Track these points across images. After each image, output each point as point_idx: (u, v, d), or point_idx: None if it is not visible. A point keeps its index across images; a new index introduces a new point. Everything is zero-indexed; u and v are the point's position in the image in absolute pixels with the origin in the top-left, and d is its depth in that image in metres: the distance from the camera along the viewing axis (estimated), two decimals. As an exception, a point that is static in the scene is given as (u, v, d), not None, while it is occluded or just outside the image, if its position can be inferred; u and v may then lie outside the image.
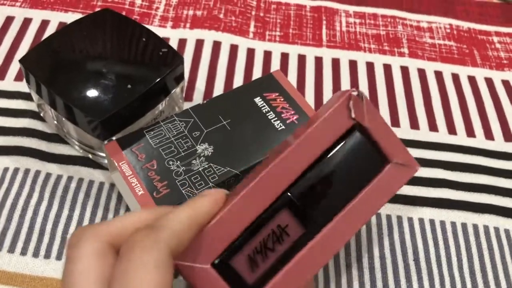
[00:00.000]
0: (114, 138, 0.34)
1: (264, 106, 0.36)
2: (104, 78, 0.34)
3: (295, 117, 0.35)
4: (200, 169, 0.32)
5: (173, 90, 0.37)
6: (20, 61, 0.34)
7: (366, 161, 0.27)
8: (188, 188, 0.31)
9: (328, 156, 0.26)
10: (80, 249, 0.20)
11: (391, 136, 0.27)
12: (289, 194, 0.26)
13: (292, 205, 0.26)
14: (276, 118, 0.35)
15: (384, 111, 0.42)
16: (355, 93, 0.26)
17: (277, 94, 0.36)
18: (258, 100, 0.36)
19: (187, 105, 0.40)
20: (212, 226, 0.24)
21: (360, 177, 0.26)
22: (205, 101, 0.36)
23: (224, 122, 0.35)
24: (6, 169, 0.35)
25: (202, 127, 0.34)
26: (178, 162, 0.32)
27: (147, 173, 0.32)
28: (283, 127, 0.35)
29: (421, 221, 0.36)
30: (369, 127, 0.27)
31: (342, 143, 0.26)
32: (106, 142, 0.34)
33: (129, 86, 0.33)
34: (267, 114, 0.35)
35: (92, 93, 0.33)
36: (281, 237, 0.25)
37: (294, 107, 0.36)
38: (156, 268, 0.19)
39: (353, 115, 0.26)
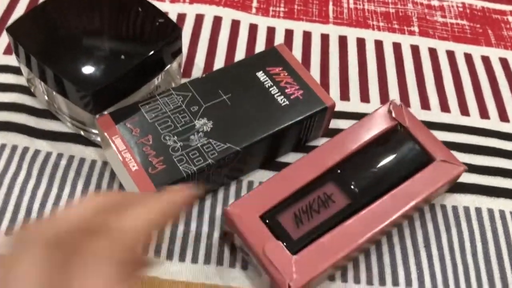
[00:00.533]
0: (106, 112, 0.32)
1: (267, 80, 0.33)
2: (96, 50, 0.31)
3: (299, 92, 0.33)
4: (198, 145, 0.30)
5: (170, 64, 0.35)
6: (7, 29, 0.32)
7: (408, 155, 0.32)
8: (186, 164, 0.29)
9: (374, 145, 0.32)
10: (25, 253, 0.17)
11: (432, 138, 0.32)
12: (337, 169, 0.31)
13: (340, 178, 0.30)
14: (279, 93, 0.33)
15: (393, 91, 0.40)
16: (395, 101, 0.34)
17: (280, 69, 0.34)
18: (260, 74, 0.34)
19: (185, 81, 0.38)
20: (264, 184, 0.30)
21: (403, 168, 0.31)
22: (204, 75, 0.34)
23: (225, 97, 0.33)
24: (-8, 145, 0.33)
25: (201, 102, 0.32)
26: (175, 137, 0.30)
27: (141, 148, 0.30)
28: (286, 102, 0.33)
29: (431, 207, 0.34)
30: (409, 127, 0.33)
31: (385, 137, 0.32)
32: (98, 116, 0.31)
33: (122, 57, 0.31)
34: (270, 89, 0.33)
35: (83, 64, 0.31)
36: (327, 202, 0.30)
37: (298, 82, 0.34)
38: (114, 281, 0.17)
39: (393, 115, 0.33)
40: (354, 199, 0.30)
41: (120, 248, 0.18)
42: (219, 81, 0.33)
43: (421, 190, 0.30)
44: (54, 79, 0.31)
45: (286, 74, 0.34)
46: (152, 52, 0.32)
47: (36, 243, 0.17)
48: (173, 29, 0.33)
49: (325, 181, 0.30)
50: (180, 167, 0.29)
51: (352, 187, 0.30)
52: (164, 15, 0.34)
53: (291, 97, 0.33)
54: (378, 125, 0.33)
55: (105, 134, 0.30)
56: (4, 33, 0.40)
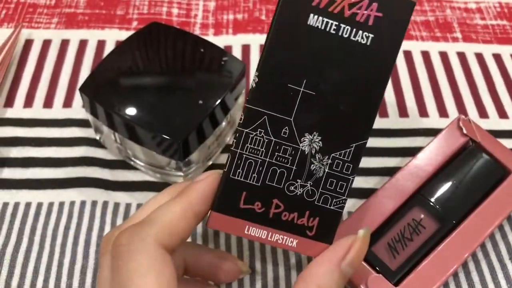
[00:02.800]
0: (214, 212, 0.24)
1: (327, 23, 0.23)
2: (171, 95, 0.32)
3: (374, 8, 0.23)
4: (326, 169, 0.24)
5: (239, 99, 0.35)
6: (81, 90, 0.32)
7: (486, 170, 0.32)
8: (333, 200, 0.24)
9: (450, 165, 0.33)
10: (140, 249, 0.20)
11: (505, 150, 0.33)
12: (420, 193, 0.31)
13: (424, 203, 0.31)
14: (354, 29, 0.23)
15: (449, 102, 0.40)
16: (463, 117, 0.34)
17: None
18: (313, 20, 0.23)
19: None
20: (353, 216, 0.30)
21: (483, 184, 0.32)
22: (255, 81, 0.23)
23: (301, 89, 0.23)
24: (72, 203, 0.34)
25: (284, 117, 0.23)
26: (298, 180, 0.24)
27: (281, 219, 0.24)
28: (371, 35, 0.23)
29: (508, 217, 0.34)
30: (482, 142, 0.33)
31: (461, 155, 0.33)
32: (183, 167, 0.31)
33: (200, 101, 0.32)
34: (340, 33, 0.23)
35: (163, 112, 0.31)
36: (417, 228, 0.30)
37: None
38: (149, 271, 0.19)
39: (464, 131, 0.33)
40: (442, 223, 0.30)
41: (159, 236, 0.21)
42: (278, 73, 0.23)
43: (505, 206, 0.31)
44: (134, 130, 0.31)
45: None
46: (226, 92, 0.32)
47: (146, 240, 0.20)
48: (238, 65, 0.34)
49: (411, 207, 0.31)
50: (332, 208, 0.24)
51: (438, 209, 0.31)
52: (226, 52, 0.35)
53: (370, 23, 0.23)
54: (450, 144, 0.33)
55: (234, 234, 0.25)
56: (59, 87, 0.40)
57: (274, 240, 0.24)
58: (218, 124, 0.34)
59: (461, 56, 0.43)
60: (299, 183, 0.24)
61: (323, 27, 0.23)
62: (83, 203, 0.34)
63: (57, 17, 0.45)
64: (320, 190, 0.24)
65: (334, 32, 0.23)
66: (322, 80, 0.23)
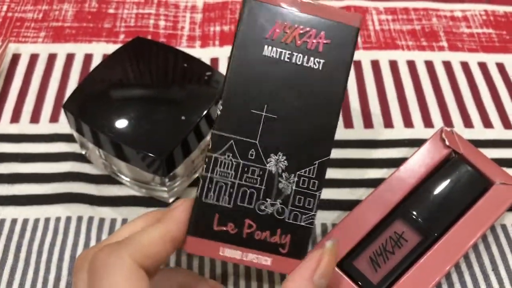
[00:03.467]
0: (188, 236, 0.25)
1: (281, 53, 0.25)
2: (154, 112, 0.32)
3: (322, 36, 0.25)
4: (293, 187, 0.25)
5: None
6: (64, 107, 0.32)
7: (469, 182, 0.32)
8: (303, 216, 0.25)
9: (433, 177, 0.33)
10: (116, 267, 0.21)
11: (487, 161, 0.33)
12: (402, 206, 0.31)
13: (406, 215, 0.31)
14: (305, 56, 0.25)
15: (434, 112, 0.40)
16: (446, 128, 0.34)
17: (279, 23, 0.25)
18: (267, 51, 0.25)
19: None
20: (334, 231, 0.30)
21: (465, 196, 0.32)
22: (220, 106, 0.25)
23: (263, 113, 0.25)
24: (58, 219, 0.34)
25: (250, 140, 0.25)
26: (268, 200, 0.25)
27: (254, 238, 0.25)
28: (322, 60, 0.25)
29: (492, 228, 0.34)
30: (464, 154, 0.33)
31: (444, 167, 0.33)
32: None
33: (183, 117, 0.32)
34: (293, 60, 0.25)
35: (146, 129, 0.31)
36: (399, 241, 0.30)
37: (309, 23, 0.25)
38: (125, 286, 0.21)
39: (447, 143, 0.33)
40: (424, 235, 0.30)
41: (134, 254, 0.22)
42: (240, 100, 0.25)
43: (487, 217, 0.31)
44: (118, 147, 0.32)
45: (290, 25, 0.25)
46: (209, 107, 0.32)
47: (123, 257, 0.21)
48: (221, 79, 0.34)
49: (393, 220, 0.31)
50: (303, 223, 0.25)
51: (420, 222, 0.31)
52: (209, 66, 0.35)
53: (320, 50, 0.25)
54: (433, 156, 0.33)
55: (209, 256, 0.26)
56: (46, 101, 0.40)
57: (249, 260, 0.25)
58: (203, 138, 0.34)
59: (447, 65, 0.44)
60: (268, 202, 0.25)
61: (277, 56, 0.25)
62: (68, 219, 0.34)
63: (45, 31, 0.45)
64: (289, 207, 0.25)
65: (288, 60, 0.25)
66: (282, 104, 0.25)
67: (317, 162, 0.25)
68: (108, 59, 0.35)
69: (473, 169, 0.33)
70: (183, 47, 0.44)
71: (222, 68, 0.43)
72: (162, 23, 0.46)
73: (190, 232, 0.25)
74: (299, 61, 0.25)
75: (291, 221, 0.25)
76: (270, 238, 0.25)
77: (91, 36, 0.45)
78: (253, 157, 0.25)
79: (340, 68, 0.25)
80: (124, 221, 0.34)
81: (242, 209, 0.25)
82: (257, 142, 0.25)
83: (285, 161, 0.25)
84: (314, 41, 0.25)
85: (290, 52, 0.25)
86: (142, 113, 0.32)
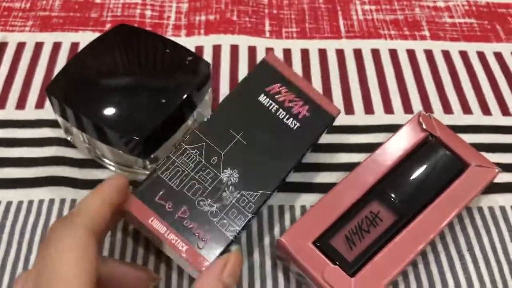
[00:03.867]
0: (131, 191, 0.29)
1: (271, 104, 0.31)
2: (135, 95, 0.33)
3: (305, 109, 0.32)
4: (233, 201, 0.29)
5: (204, 97, 0.36)
6: (47, 91, 0.33)
7: (444, 164, 0.33)
8: (229, 227, 0.28)
9: (409, 159, 0.33)
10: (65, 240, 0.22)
11: (464, 144, 0.34)
12: (379, 187, 0.32)
13: (382, 196, 0.32)
14: (287, 116, 0.31)
15: (414, 99, 0.41)
16: (424, 113, 0.35)
17: (279, 86, 0.32)
18: (262, 98, 0.32)
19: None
20: (311, 211, 0.31)
21: (441, 178, 0.32)
22: (209, 116, 0.31)
23: (238, 137, 0.31)
24: (41, 201, 0.35)
25: (218, 150, 0.30)
26: (209, 200, 0.29)
27: (182, 223, 0.28)
28: (298, 124, 0.31)
29: (469, 210, 0.35)
30: (441, 137, 0.34)
31: (420, 149, 0.34)
32: (149, 165, 0.33)
33: (163, 100, 0.32)
34: (278, 114, 0.31)
35: (127, 112, 0.32)
36: (375, 221, 0.31)
37: (301, 96, 0.32)
38: (77, 246, 0.22)
39: (424, 126, 0.34)
40: (399, 215, 0.31)
41: (85, 222, 0.24)
42: (226, 119, 0.31)
43: (462, 198, 0.31)
44: (100, 130, 0.32)
45: (286, 91, 0.32)
46: (190, 91, 0.33)
47: (74, 224, 0.23)
48: (202, 64, 0.35)
49: (369, 200, 0.32)
50: (226, 233, 0.28)
51: (396, 202, 0.31)
52: (190, 52, 0.35)
53: (299, 117, 0.31)
54: (410, 139, 0.34)
55: (141, 221, 0.28)
56: (32, 88, 0.41)
57: (169, 238, 0.28)
58: (184, 122, 0.35)
59: (428, 53, 0.44)
60: (208, 201, 0.29)
61: (267, 105, 0.32)
62: (51, 201, 0.35)
63: (32, 20, 0.45)
64: (222, 214, 0.29)
65: (274, 111, 0.31)
66: (254, 137, 0.31)
67: (260, 192, 0.29)
68: (91, 45, 0.35)
69: (449, 152, 0.33)
70: (169, 36, 0.45)
71: (207, 56, 0.43)
72: (148, 12, 0.47)
73: (136, 194, 0.29)
74: (281, 116, 0.31)
75: (218, 226, 0.28)
76: (195, 230, 0.28)
77: (77, 25, 0.45)
78: (214, 163, 0.30)
79: (308, 138, 0.31)
80: (107, 203, 0.35)
81: (185, 196, 0.29)
82: (222, 153, 0.30)
83: (237, 178, 0.29)
84: (299, 109, 0.32)
85: (278, 107, 0.32)
86: (123, 97, 0.33)
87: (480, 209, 0.35)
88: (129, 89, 0.33)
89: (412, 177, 0.32)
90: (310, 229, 0.30)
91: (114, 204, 0.26)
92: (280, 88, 0.32)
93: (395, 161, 0.33)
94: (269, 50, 0.44)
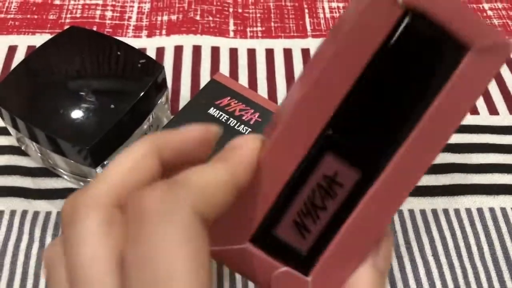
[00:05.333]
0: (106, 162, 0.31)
1: (221, 115, 0.33)
2: (84, 102, 0.31)
3: (256, 115, 0.33)
4: None
5: (159, 101, 0.35)
6: (-11, 98, 0.31)
7: (431, 60, 0.17)
8: None
9: (374, 68, 0.18)
10: (81, 227, 0.15)
11: (467, 14, 0.17)
12: (330, 131, 0.18)
13: (337, 144, 0.19)
14: (238, 123, 0.32)
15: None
16: None
17: (228, 99, 0.33)
18: (212, 111, 0.33)
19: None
20: (244, 195, 0.18)
21: (424, 86, 0.18)
22: (169, 122, 0.32)
23: None
24: (-10, 213, 0.33)
25: None
26: None
27: None
28: (249, 129, 0.32)
29: (434, 212, 0.34)
30: (426, 9, 0.17)
31: (391, 44, 0.17)
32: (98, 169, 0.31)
33: (112, 106, 0.31)
34: (229, 122, 0.32)
35: (74, 119, 0.31)
36: (331, 189, 0.19)
37: (250, 105, 0.33)
38: (185, 245, 0.14)
39: (400, 1, 0.17)
40: (365, 167, 0.19)
41: (198, 205, 0.15)
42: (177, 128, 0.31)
43: (452, 121, 0.18)
44: (47, 139, 0.31)
45: (236, 102, 0.33)
46: (140, 96, 0.32)
47: (181, 205, 0.15)
48: (155, 67, 0.33)
49: (319, 157, 0.19)
50: None
51: (357, 149, 0.19)
52: (144, 54, 0.34)
53: (251, 123, 0.32)
54: (372, 33, 0.17)
55: None
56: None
57: None
58: (138, 126, 0.33)
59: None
60: None
61: (217, 116, 0.33)
62: (1, 213, 0.33)
63: (-13, 23, 0.44)
64: None
65: (224, 120, 0.32)
66: None
67: None
68: (40, 49, 0.34)
69: (439, 36, 0.17)
70: (130, 37, 0.43)
71: (168, 58, 0.42)
72: (109, 13, 0.45)
73: None
74: (232, 123, 0.32)
75: None
76: None
77: (35, 28, 0.44)
78: None
79: None
80: (60, 213, 0.34)
81: None
82: None
83: None
84: (250, 116, 0.33)
85: (228, 116, 0.33)
86: (72, 104, 0.31)
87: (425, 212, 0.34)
88: (78, 95, 0.32)
89: (376, 102, 0.18)
90: (242, 220, 0.19)
91: (239, 189, 0.17)
92: (230, 101, 0.33)
93: (352, 81, 0.17)
94: (232, 50, 0.43)
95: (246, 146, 0.18)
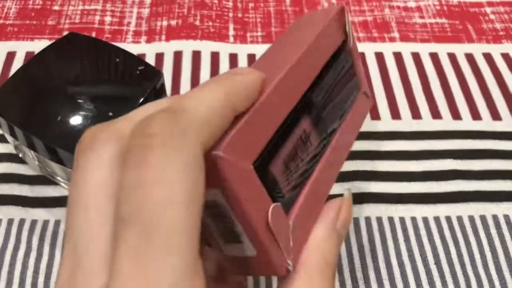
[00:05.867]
0: None
1: None
2: (82, 109, 0.31)
3: None
4: None
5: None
6: (-14, 106, 0.31)
7: (351, 81, 0.25)
8: None
9: (329, 69, 0.23)
10: (92, 156, 0.15)
11: (359, 62, 0.26)
12: (309, 98, 0.22)
13: (311, 111, 0.22)
14: None
15: (382, 103, 0.40)
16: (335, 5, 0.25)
17: None
18: None
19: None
20: (252, 116, 0.18)
21: (348, 95, 0.25)
22: None
23: None
24: (-13, 222, 0.33)
25: None
26: None
27: None
28: None
29: (437, 219, 0.34)
30: (352, 47, 0.25)
31: (338, 58, 0.24)
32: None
33: (110, 114, 0.31)
34: None
35: (72, 127, 0.30)
36: (306, 144, 0.21)
37: None
38: (185, 172, 0.13)
39: (347, 29, 0.24)
40: (323, 134, 0.23)
41: (199, 130, 0.14)
42: None
43: (352, 134, 0.25)
44: (46, 148, 0.30)
45: None
46: (139, 103, 0.31)
47: (187, 133, 0.14)
48: (154, 74, 0.33)
49: (300, 115, 0.21)
50: None
51: (320, 119, 0.22)
52: (142, 61, 0.34)
53: None
54: (327, 46, 0.23)
55: None
56: (-16, 100, 0.39)
57: None
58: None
59: (397, 56, 0.43)
60: None
61: None
62: (-2, 222, 0.33)
63: (-15, 29, 0.44)
64: None
65: None
66: None
67: None
68: (38, 55, 0.34)
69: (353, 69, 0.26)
70: (129, 43, 0.43)
71: (167, 63, 0.41)
72: (108, 19, 0.45)
73: None
74: None
75: None
76: None
77: (33, 34, 0.43)
78: None
79: None
80: (57, 222, 0.33)
81: None
82: None
83: None
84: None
85: None
86: (70, 111, 0.31)
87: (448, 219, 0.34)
88: (77, 103, 0.32)
89: (328, 92, 0.23)
90: (247, 143, 0.18)
91: (239, 111, 0.17)
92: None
93: (314, 72, 0.22)
94: (232, 55, 0.42)
95: (247, 73, 0.17)
